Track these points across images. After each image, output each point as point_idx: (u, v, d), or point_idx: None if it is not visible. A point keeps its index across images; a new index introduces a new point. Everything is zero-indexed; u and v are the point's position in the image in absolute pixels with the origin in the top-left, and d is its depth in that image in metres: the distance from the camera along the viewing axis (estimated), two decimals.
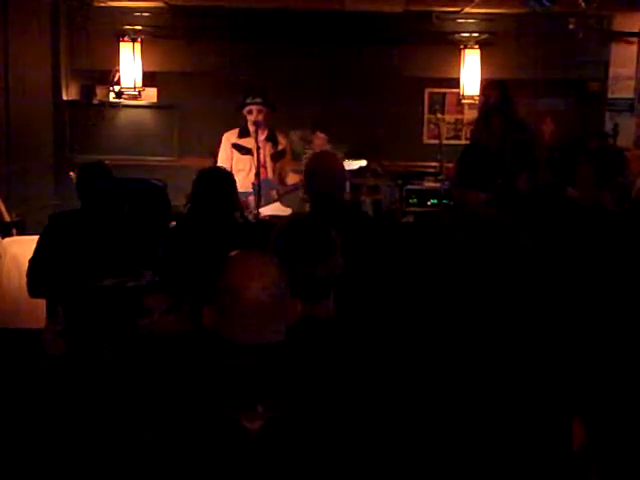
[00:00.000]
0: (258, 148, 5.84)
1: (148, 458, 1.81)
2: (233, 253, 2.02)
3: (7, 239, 5.95)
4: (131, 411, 2.21)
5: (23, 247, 5.21)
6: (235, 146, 6.11)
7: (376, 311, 3.32)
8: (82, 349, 2.65)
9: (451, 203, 5.54)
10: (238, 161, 6.07)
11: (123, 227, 3.93)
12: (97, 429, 2.41)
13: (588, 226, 3.28)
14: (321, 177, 3.79)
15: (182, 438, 1.80)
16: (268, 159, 6.10)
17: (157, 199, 4.23)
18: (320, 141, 7.20)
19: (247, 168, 6.02)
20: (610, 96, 8.14)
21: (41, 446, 2.63)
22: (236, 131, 6.16)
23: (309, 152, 7.21)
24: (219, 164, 5.96)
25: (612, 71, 8.10)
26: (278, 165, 6.22)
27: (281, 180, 6.28)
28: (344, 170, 4.03)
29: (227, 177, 4.19)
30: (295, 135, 7.47)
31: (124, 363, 2.57)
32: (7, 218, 6.44)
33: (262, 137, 6.02)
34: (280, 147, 6.21)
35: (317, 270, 2.35)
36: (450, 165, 5.30)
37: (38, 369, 2.81)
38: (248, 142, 6.06)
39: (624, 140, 7.43)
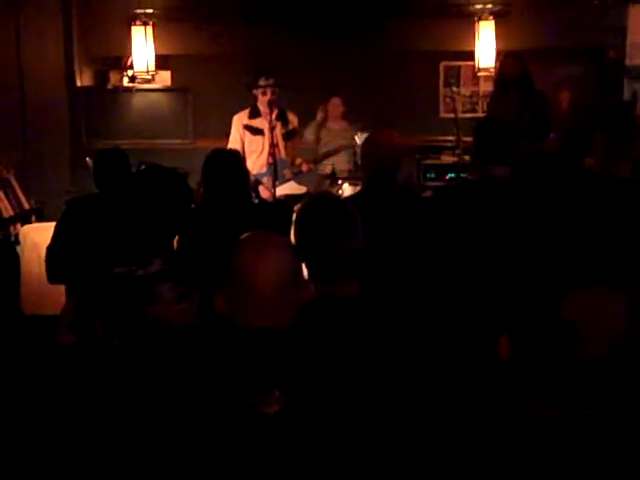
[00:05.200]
0: (273, 128, 5.81)
1: (165, 445, 1.81)
2: (243, 236, 1.99)
3: (26, 226, 6.00)
4: (144, 400, 2.21)
5: (42, 234, 5.24)
6: (247, 127, 6.05)
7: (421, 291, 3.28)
8: (91, 339, 2.65)
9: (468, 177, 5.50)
10: (251, 142, 6.01)
11: (137, 214, 3.92)
12: (109, 419, 2.41)
13: (601, 194, 3.26)
14: (379, 155, 3.67)
15: (198, 424, 1.80)
16: (280, 138, 6.03)
17: (177, 188, 4.20)
18: (336, 108, 6.95)
19: (260, 149, 5.98)
20: (628, 63, 7.99)
21: (52, 438, 2.65)
22: (246, 112, 6.09)
23: (324, 132, 7.09)
24: (230, 147, 5.91)
25: (630, 38, 7.95)
26: (290, 144, 6.16)
27: (292, 160, 6.21)
28: (402, 149, 3.94)
29: (233, 157, 4.13)
30: (307, 132, 7.22)
31: (135, 352, 2.56)
32: (26, 206, 6.48)
33: (273, 117, 5.96)
34: (291, 126, 6.14)
35: (341, 247, 2.32)
36: (467, 139, 5.24)
37: (53, 359, 2.81)
38: (260, 123, 6.01)
39: None
